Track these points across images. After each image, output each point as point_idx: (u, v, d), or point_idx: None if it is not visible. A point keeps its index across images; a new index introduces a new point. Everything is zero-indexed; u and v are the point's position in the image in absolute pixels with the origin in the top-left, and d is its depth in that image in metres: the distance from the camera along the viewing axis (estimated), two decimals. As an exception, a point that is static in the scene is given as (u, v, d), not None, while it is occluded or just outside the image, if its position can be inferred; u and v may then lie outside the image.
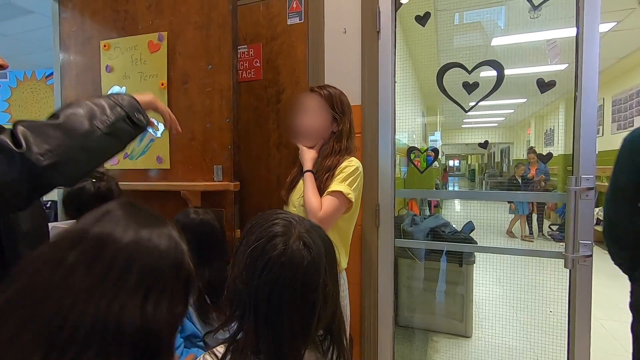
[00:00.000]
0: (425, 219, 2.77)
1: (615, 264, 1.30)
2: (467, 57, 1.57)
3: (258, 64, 1.71)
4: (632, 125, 5.06)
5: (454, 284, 2.55)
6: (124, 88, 1.59)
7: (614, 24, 3.99)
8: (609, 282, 2.90)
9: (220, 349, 0.62)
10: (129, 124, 0.77)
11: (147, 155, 1.57)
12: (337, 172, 1.17)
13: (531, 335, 2.19)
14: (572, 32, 1.33)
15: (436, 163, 3.13)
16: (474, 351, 2.39)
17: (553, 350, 1.63)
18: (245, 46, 1.71)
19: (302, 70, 1.61)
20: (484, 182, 8.97)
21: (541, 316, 2.07)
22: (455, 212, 4.66)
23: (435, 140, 4.96)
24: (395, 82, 1.54)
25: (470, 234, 2.58)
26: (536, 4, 1.44)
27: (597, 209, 3.74)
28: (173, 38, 1.50)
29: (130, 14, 1.58)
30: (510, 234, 5.00)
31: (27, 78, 3.38)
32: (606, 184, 1.32)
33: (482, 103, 1.54)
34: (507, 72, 1.47)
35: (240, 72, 1.70)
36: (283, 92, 1.66)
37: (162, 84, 1.51)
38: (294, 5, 1.62)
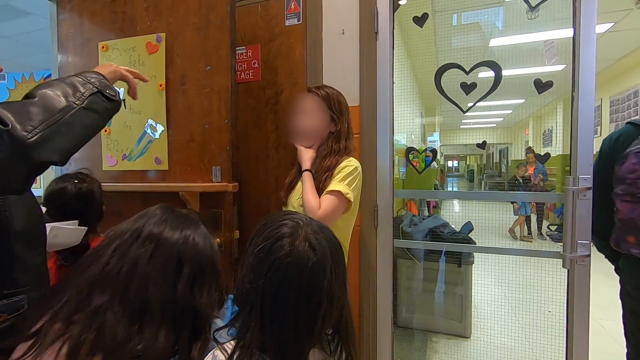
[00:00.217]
0: (424, 219, 2.78)
1: (603, 254, 1.39)
2: (465, 58, 1.58)
3: (256, 65, 1.71)
4: (630, 126, 5.06)
5: (452, 284, 2.55)
6: (122, 89, 1.58)
7: (612, 24, 4.00)
8: (607, 282, 2.90)
9: (229, 346, 0.64)
10: (103, 98, 0.79)
11: (145, 156, 1.56)
12: (336, 172, 1.17)
13: (530, 336, 2.19)
14: (569, 32, 1.33)
15: (435, 163, 3.13)
16: (473, 351, 2.39)
17: (552, 350, 1.64)
18: (244, 47, 1.71)
19: (300, 71, 1.61)
20: (482, 182, 8.98)
21: (540, 316, 2.07)
22: (454, 213, 4.66)
23: (434, 141, 4.97)
24: (393, 82, 1.54)
25: (469, 235, 2.58)
26: (533, 5, 1.44)
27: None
28: (171, 39, 1.50)
29: (129, 16, 1.58)
30: (512, 233, 4.99)
31: (25, 80, 3.37)
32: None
33: (480, 104, 1.55)
34: (505, 72, 1.47)
35: (238, 73, 1.70)
36: (281, 93, 1.66)
37: (161, 85, 1.51)
38: (292, 7, 1.62)
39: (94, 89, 0.77)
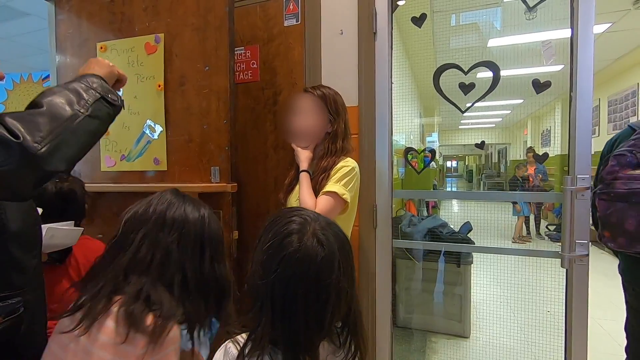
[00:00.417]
0: (423, 219, 2.78)
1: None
2: (463, 58, 1.58)
3: (255, 66, 1.71)
4: (628, 126, 5.08)
5: (452, 284, 2.55)
6: (120, 90, 1.58)
7: (609, 24, 4.02)
8: (606, 282, 2.91)
9: (240, 338, 0.65)
10: (105, 104, 0.80)
11: (144, 157, 1.56)
12: (332, 172, 1.17)
13: (529, 336, 2.19)
14: (567, 33, 1.34)
15: (433, 164, 3.14)
16: (473, 351, 2.39)
17: (551, 350, 1.64)
18: (242, 48, 1.71)
19: (299, 71, 1.62)
20: (481, 182, 8.99)
21: (539, 316, 2.07)
22: (453, 213, 4.67)
23: (433, 141, 4.98)
24: (392, 83, 1.54)
25: (468, 235, 2.59)
26: (531, 5, 1.45)
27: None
28: (170, 40, 1.50)
29: (127, 16, 1.58)
30: (519, 240, 4.91)
31: (23, 80, 3.36)
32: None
33: (479, 104, 1.55)
34: (503, 73, 1.47)
35: (237, 73, 1.70)
36: (280, 93, 1.66)
37: (159, 86, 1.51)
38: (291, 7, 1.62)
39: (97, 95, 0.78)
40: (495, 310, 2.55)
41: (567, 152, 1.35)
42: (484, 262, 2.57)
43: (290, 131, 1.27)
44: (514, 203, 4.74)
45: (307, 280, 0.60)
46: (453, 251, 2.54)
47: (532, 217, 5.32)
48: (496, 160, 10.29)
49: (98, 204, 1.65)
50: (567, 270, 1.35)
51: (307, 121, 1.23)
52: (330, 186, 1.13)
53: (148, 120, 1.54)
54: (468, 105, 1.56)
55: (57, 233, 1.08)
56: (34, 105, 0.70)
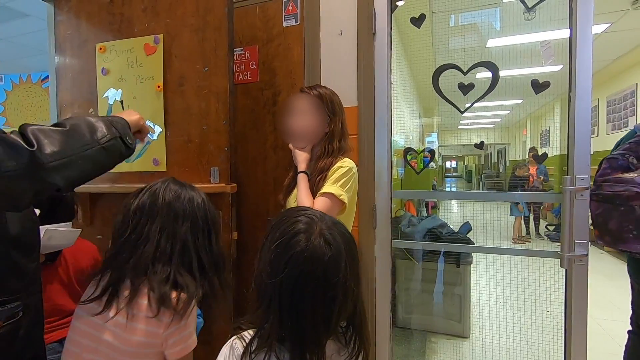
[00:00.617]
0: (422, 220, 2.78)
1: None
2: (462, 59, 1.58)
3: (254, 66, 1.71)
4: (627, 126, 5.10)
5: (451, 284, 2.55)
6: (120, 91, 1.59)
7: (608, 25, 4.02)
8: (606, 282, 2.91)
9: (247, 335, 0.66)
10: (121, 144, 0.84)
11: (143, 157, 1.56)
12: (330, 173, 1.16)
13: (529, 336, 2.20)
14: (566, 33, 1.34)
15: (433, 164, 3.14)
16: (472, 352, 2.39)
17: (550, 350, 1.64)
18: (242, 48, 1.72)
19: (298, 72, 1.62)
20: (480, 182, 9.00)
21: (539, 316, 2.07)
22: (453, 213, 4.67)
23: (432, 142, 4.98)
24: (391, 83, 1.54)
25: (468, 235, 2.59)
26: (530, 6, 1.45)
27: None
28: (169, 40, 1.50)
29: (126, 17, 1.58)
30: (519, 240, 4.95)
31: (22, 81, 3.36)
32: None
33: (478, 104, 1.55)
34: (502, 73, 1.48)
35: (236, 74, 1.71)
36: (279, 94, 1.66)
37: (158, 87, 1.51)
38: (290, 8, 1.62)
39: (117, 133, 0.83)
40: (494, 310, 2.56)
41: (566, 152, 1.36)
42: (484, 262, 2.57)
43: (288, 132, 1.26)
44: (517, 203, 4.76)
45: (314, 279, 0.61)
46: (452, 251, 2.54)
47: (531, 217, 5.32)
48: (495, 161, 10.30)
49: (97, 204, 1.65)
50: (566, 270, 1.35)
51: (305, 121, 1.22)
52: (327, 187, 1.12)
53: (147, 121, 1.54)
54: (467, 105, 1.56)
55: (55, 234, 1.07)
56: (59, 124, 0.75)
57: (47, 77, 3.21)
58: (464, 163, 18.03)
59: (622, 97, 5.34)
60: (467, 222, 2.67)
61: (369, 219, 1.53)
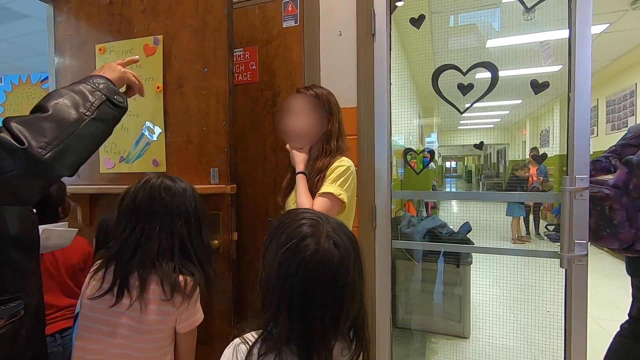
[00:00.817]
0: (422, 220, 2.78)
1: None
2: (462, 59, 1.59)
3: (254, 67, 1.71)
4: (626, 126, 5.10)
5: (451, 285, 2.55)
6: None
7: (607, 25, 4.03)
8: (606, 282, 2.91)
9: (249, 337, 0.66)
10: (111, 106, 0.80)
11: (143, 158, 1.56)
12: (328, 173, 1.15)
13: (529, 336, 2.20)
14: (565, 33, 1.34)
15: (433, 164, 3.14)
16: (472, 352, 2.39)
17: (550, 350, 1.64)
18: (241, 49, 1.72)
19: (298, 72, 1.62)
20: (480, 183, 9.00)
21: (539, 316, 2.07)
22: (452, 213, 4.67)
23: (432, 142, 4.98)
24: (390, 84, 1.54)
25: (467, 235, 2.59)
26: (529, 6, 1.45)
27: None
28: (169, 41, 1.50)
29: (126, 18, 1.58)
30: (519, 241, 4.96)
31: (22, 82, 3.36)
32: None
33: (477, 104, 1.55)
34: (501, 73, 1.48)
35: (236, 75, 1.71)
36: (279, 94, 1.66)
37: (158, 87, 1.51)
38: (290, 8, 1.63)
39: (103, 96, 0.78)
40: (494, 310, 2.56)
41: (565, 153, 1.36)
42: (484, 263, 2.57)
43: (286, 133, 1.26)
44: (522, 204, 4.77)
45: (325, 282, 0.62)
46: (452, 252, 2.54)
47: (531, 217, 5.32)
48: (495, 161, 10.31)
49: (97, 205, 1.65)
50: (566, 270, 1.35)
51: (303, 122, 1.22)
52: (326, 187, 1.12)
53: (147, 122, 1.55)
54: (467, 105, 1.56)
55: (53, 234, 1.08)
56: (40, 108, 0.70)
57: (46, 78, 3.21)
58: (463, 163, 18.04)
59: (622, 97, 5.34)
60: (467, 222, 2.67)
61: (369, 219, 1.53)
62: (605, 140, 5.64)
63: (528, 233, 5.29)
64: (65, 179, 1.25)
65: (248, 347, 0.65)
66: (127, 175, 1.59)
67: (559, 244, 1.35)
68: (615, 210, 1.35)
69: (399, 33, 2.10)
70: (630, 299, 1.57)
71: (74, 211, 1.68)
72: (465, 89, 1.56)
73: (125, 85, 0.95)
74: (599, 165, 1.48)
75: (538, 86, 1.47)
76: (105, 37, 1.62)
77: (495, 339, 2.10)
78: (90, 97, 0.76)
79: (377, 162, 1.53)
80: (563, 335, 1.39)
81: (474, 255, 2.59)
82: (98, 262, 0.96)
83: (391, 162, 1.56)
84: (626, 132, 1.57)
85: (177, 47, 1.49)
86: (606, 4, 3.56)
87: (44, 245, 1.03)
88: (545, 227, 5.36)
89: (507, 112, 6.20)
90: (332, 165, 1.17)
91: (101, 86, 0.80)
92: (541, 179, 4.73)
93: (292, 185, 1.27)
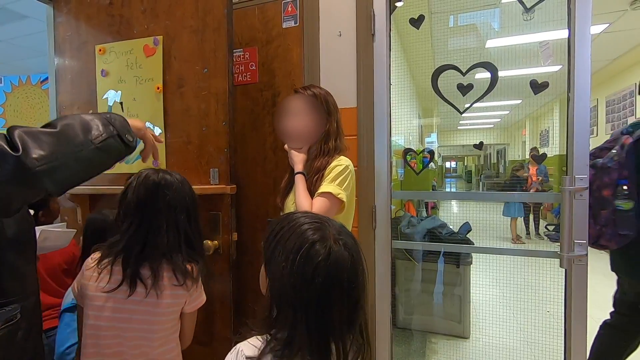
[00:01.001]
0: (422, 220, 2.78)
1: None
2: (462, 59, 1.59)
3: (254, 67, 1.71)
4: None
5: (451, 285, 2.55)
6: (119, 92, 1.59)
7: (607, 25, 4.03)
8: (606, 282, 2.91)
9: (253, 342, 0.65)
10: (119, 142, 0.80)
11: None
12: (326, 172, 1.15)
13: (529, 336, 2.20)
14: (564, 33, 1.34)
15: (432, 164, 3.14)
16: (472, 352, 2.39)
17: (551, 350, 1.64)
18: (241, 49, 1.72)
19: (297, 73, 1.62)
20: (480, 183, 9.00)
21: (539, 316, 2.07)
22: (452, 214, 4.67)
23: (432, 142, 4.98)
24: (390, 84, 1.55)
25: (467, 235, 2.59)
26: (529, 7, 1.45)
27: None
28: (168, 42, 1.50)
29: (126, 18, 1.58)
30: (519, 241, 4.96)
31: (22, 83, 3.36)
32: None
33: (477, 104, 1.55)
34: (501, 73, 1.48)
35: (235, 75, 1.71)
36: (279, 95, 1.66)
37: (158, 88, 1.51)
38: (289, 9, 1.63)
39: (114, 131, 0.79)
40: (494, 310, 2.56)
41: (565, 153, 1.36)
42: (483, 263, 2.57)
43: (285, 133, 1.26)
44: (524, 204, 4.78)
45: (340, 284, 0.62)
46: (452, 252, 2.54)
47: (531, 217, 5.32)
48: (495, 161, 10.31)
49: (97, 205, 1.65)
50: (566, 270, 1.35)
51: (301, 122, 1.22)
52: (325, 187, 1.12)
53: (147, 123, 1.54)
54: (467, 106, 1.56)
55: (50, 235, 1.08)
56: (50, 124, 0.70)
57: (46, 78, 3.21)
58: (463, 163, 18.04)
59: (621, 97, 5.34)
60: (467, 222, 2.67)
61: (369, 219, 1.53)
62: (605, 140, 5.63)
63: (528, 233, 5.29)
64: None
65: (253, 353, 0.63)
66: (127, 175, 1.59)
67: (559, 244, 1.35)
68: None
69: (399, 33, 2.10)
70: None
71: (74, 211, 1.68)
72: (464, 89, 1.56)
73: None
74: None
75: (537, 86, 1.48)
76: (105, 37, 1.62)
77: (495, 339, 2.10)
78: (102, 127, 0.76)
79: (377, 162, 1.53)
80: (563, 335, 1.39)
81: (474, 255, 2.59)
82: (97, 256, 1.00)
83: (391, 162, 1.56)
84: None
85: (177, 47, 1.49)
86: (605, 4, 3.56)
87: (42, 247, 1.03)
88: (545, 227, 5.36)
89: (507, 112, 6.21)
90: (331, 165, 1.16)
91: (116, 123, 0.80)
92: (541, 179, 4.72)
93: (290, 185, 1.27)
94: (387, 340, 1.56)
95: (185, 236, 1.03)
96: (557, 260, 1.36)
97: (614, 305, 1.71)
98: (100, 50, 1.62)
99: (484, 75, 1.50)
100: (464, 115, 1.59)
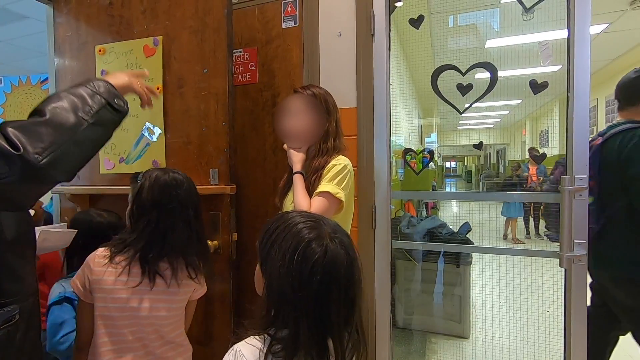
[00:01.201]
0: (422, 220, 2.78)
1: None
2: (461, 59, 1.59)
3: (253, 68, 1.71)
4: (626, 126, 5.08)
5: (451, 285, 2.55)
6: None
7: (606, 25, 4.04)
8: (605, 282, 2.90)
9: (250, 341, 0.65)
10: (111, 110, 0.78)
11: (143, 159, 1.56)
12: (324, 172, 1.15)
13: (529, 336, 2.20)
14: (564, 34, 1.34)
15: (432, 164, 3.14)
16: (472, 352, 2.39)
17: (550, 350, 1.64)
18: (241, 50, 1.72)
19: (297, 73, 1.62)
20: (480, 183, 9.00)
21: (539, 316, 2.07)
22: (452, 214, 4.67)
23: (432, 142, 4.98)
24: (390, 84, 1.55)
25: (467, 235, 2.59)
26: (528, 7, 1.46)
27: None
28: (168, 42, 1.51)
29: (125, 19, 1.58)
30: (518, 241, 4.97)
31: (22, 83, 3.36)
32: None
33: (477, 104, 1.55)
34: (501, 73, 1.48)
35: (235, 75, 1.71)
36: (278, 95, 1.66)
37: (158, 88, 1.51)
38: (289, 9, 1.63)
39: (102, 100, 0.76)
40: (494, 310, 2.56)
41: (565, 153, 1.36)
42: (483, 263, 2.57)
43: (284, 133, 1.26)
44: (525, 204, 4.79)
45: (337, 282, 0.63)
46: (452, 252, 2.54)
47: (531, 217, 5.32)
48: (495, 161, 10.30)
49: (97, 206, 1.65)
50: (565, 269, 1.35)
51: (300, 122, 1.22)
52: (323, 186, 1.11)
53: (147, 123, 1.55)
54: (466, 106, 1.56)
55: (50, 236, 1.07)
56: (38, 112, 0.68)
57: (46, 79, 3.21)
58: (463, 163, 18.05)
59: (621, 97, 5.33)
60: (467, 222, 2.67)
61: (369, 219, 1.54)
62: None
63: (528, 233, 5.29)
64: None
65: (252, 354, 0.63)
66: (127, 176, 1.58)
67: (559, 243, 1.36)
68: None
69: (399, 33, 2.10)
70: None
71: (74, 211, 1.68)
72: (464, 89, 1.56)
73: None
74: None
75: (537, 86, 1.48)
76: (105, 38, 1.62)
77: (495, 339, 2.10)
78: (89, 100, 0.74)
79: (377, 162, 1.53)
80: (563, 334, 1.39)
81: (473, 255, 2.59)
82: (106, 253, 1.03)
83: (391, 162, 1.56)
84: None
85: (177, 48, 1.49)
86: (605, 4, 3.56)
87: (42, 247, 1.03)
88: (545, 227, 5.36)
89: (507, 112, 6.20)
90: (329, 164, 1.16)
91: (101, 89, 0.78)
92: (541, 178, 4.72)
93: (289, 185, 1.27)
94: (387, 340, 1.56)
95: (196, 232, 1.10)
96: (556, 260, 1.36)
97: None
98: (100, 50, 1.62)
99: (483, 75, 1.50)
100: (463, 115, 1.59)
